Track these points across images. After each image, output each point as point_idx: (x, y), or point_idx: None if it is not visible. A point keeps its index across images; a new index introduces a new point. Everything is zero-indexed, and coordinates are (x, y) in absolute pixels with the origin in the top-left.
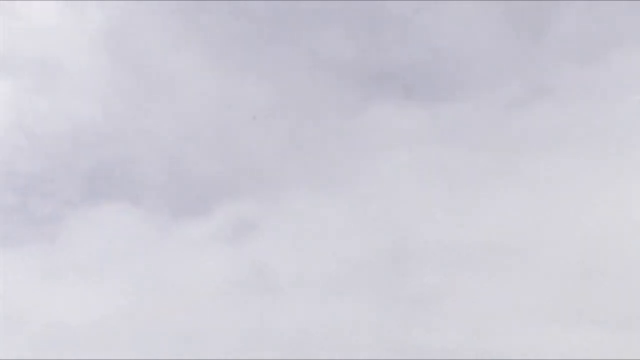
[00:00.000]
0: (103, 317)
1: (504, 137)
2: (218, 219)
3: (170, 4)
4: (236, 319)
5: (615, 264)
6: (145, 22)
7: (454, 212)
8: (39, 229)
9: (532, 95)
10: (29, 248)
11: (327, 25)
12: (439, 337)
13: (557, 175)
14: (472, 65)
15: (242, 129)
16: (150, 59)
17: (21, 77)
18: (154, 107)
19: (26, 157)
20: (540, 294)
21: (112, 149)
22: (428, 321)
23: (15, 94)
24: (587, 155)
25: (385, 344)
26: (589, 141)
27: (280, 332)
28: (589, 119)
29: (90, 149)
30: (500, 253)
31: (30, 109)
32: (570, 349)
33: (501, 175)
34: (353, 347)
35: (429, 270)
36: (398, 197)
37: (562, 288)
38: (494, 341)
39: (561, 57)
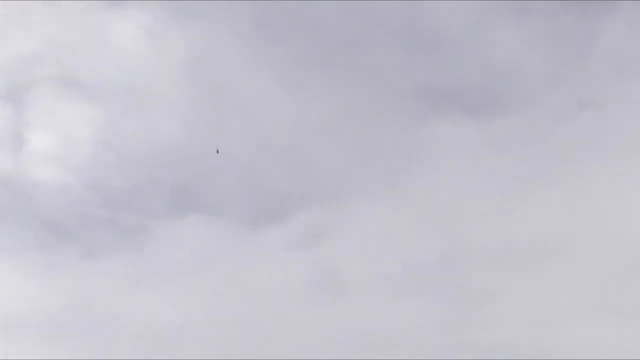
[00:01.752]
0: (187, 319)
1: (549, 146)
2: (291, 227)
3: (244, 33)
4: (309, 319)
5: None
6: (222, 50)
7: (506, 216)
8: (128, 239)
9: (575, 108)
10: (119, 257)
11: (390, 50)
12: (496, 334)
13: (599, 181)
14: (521, 82)
15: (312, 145)
16: (228, 83)
17: (112, 102)
18: (232, 127)
19: (116, 174)
20: (587, 291)
21: (194, 165)
22: (484, 319)
23: (106, 117)
24: (626, 162)
25: (446, 341)
26: (628, 149)
27: (349, 331)
28: (629, 128)
29: (174, 166)
30: (548, 253)
31: (120, 131)
32: (618, 342)
33: (548, 181)
34: (416, 346)
35: (484, 270)
36: (454, 203)
37: (607, 285)
38: (549, 337)
39: (603, 72)
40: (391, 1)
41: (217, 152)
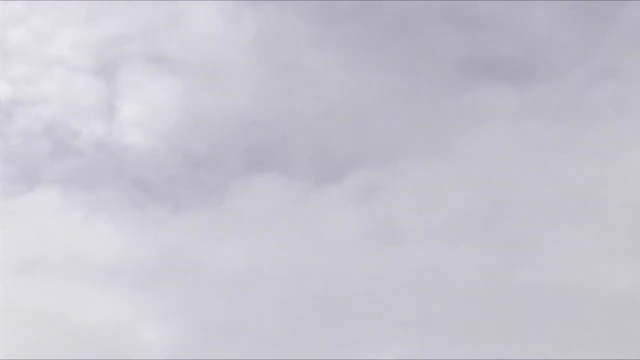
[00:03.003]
0: (260, 265)
1: (579, 111)
2: (350, 184)
3: (309, 14)
4: (367, 266)
5: None
6: (289, 26)
7: (540, 173)
8: (208, 196)
9: (602, 75)
10: (201, 212)
11: (434, 26)
12: (543, 275)
13: (624, 141)
14: (552, 53)
15: (368, 111)
16: (293, 57)
17: (191, 75)
18: (298, 96)
19: (197, 138)
20: (627, 234)
21: (264, 130)
22: (531, 262)
23: (187, 89)
24: None
25: (495, 283)
26: None
27: (404, 276)
28: None
29: (247, 130)
30: (582, 204)
31: (199, 100)
32: None
33: (577, 143)
34: (466, 287)
35: (527, 220)
36: (496, 162)
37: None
38: (592, 277)
39: (627, 42)
40: None
41: None
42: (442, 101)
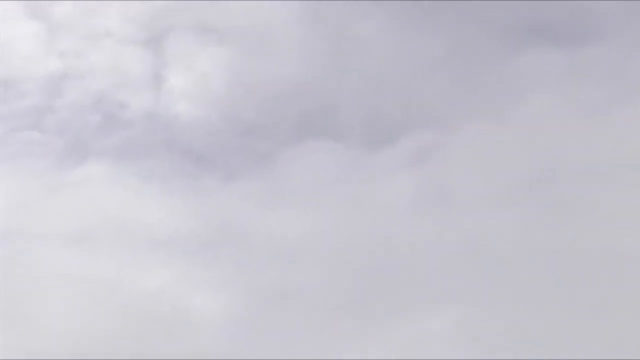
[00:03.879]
0: (312, 232)
1: (631, 73)
2: (403, 149)
3: None
4: (420, 230)
5: None
6: None
7: (593, 137)
8: (259, 164)
9: None
10: (252, 180)
11: None
12: (593, 239)
13: None
14: (603, 15)
15: (420, 75)
16: (343, 22)
17: (237, 44)
18: (347, 62)
19: (247, 107)
20: None
21: (315, 97)
22: (583, 227)
23: (235, 58)
24: None
25: (547, 248)
26: None
27: (456, 239)
28: None
29: (297, 98)
30: (636, 168)
31: (248, 69)
32: None
33: (629, 105)
34: (518, 253)
35: (579, 183)
36: (546, 126)
37: None
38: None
39: None
40: None
41: None
42: (493, 66)
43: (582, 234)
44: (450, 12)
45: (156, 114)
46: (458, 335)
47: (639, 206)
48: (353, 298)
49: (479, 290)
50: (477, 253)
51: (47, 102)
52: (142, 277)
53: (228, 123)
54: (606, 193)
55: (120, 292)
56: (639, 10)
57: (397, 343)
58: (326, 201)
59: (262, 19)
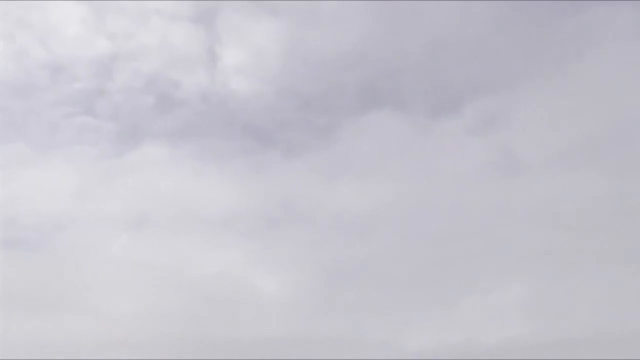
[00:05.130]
0: (378, 205)
1: None
2: (467, 115)
3: None
4: (488, 197)
5: None
6: None
7: None
8: (321, 138)
9: None
10: (314, 155)
11: None
12: None
13: None
14: None
15: (480, 40)
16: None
17: (293, 16)
18: (406, 31)
19: (304, 80)
20: None
21: (374, 67)
22: None
23: (290, 30)
24: None
25: (619, 208)
26: None
27: (525, 205)
28: None
29: (356, 68)
30: None
31: (304, 41)
32: None
33: None
34: (590, 215)
35: None
36: (612, 85)
37: None
38: None
39: None
40: None
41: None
42: (555, 25)
43: None
44: None
45: (211, 92)
46: (528, 308)
47: None
48: (422, 272)
49: (551, 260)
50: (548, 220)
51: (98, 85)
52: (205, 259)
53: (286, 97)
54: None
55: (183, 276)
56: None
57: (466, 317)
58: (391, 173)
59: None
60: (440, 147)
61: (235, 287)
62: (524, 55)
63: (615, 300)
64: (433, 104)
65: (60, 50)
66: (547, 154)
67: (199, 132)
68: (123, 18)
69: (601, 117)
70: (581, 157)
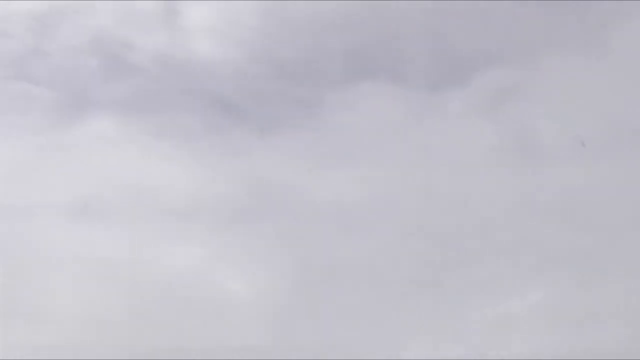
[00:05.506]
0: (371, 194)
1: None
2: (476, 89)
3: None
4: (498, 186)
5: None
6: None
7: None
8: (302, 113)
9: None
10: (294, 132)
11: None
12: None
13: None
14: None
15: (496, 3)
16: None
17: None
18: None
19: (283, 44)
20: None
21: (368, 30)
22: None
23: None
24: None
25: None
26: None
27: (541, 199)
28: None
29: (345, 32)
30: None
31: None
32: None
33: None
34: (620, 211)
35: None
36: None
37: None
38: None
39: None
40: None
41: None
42: None
43: None
44: None
45: (170, 55)
46: (546, 320)
47: None
48: (420, 275)
49: (574, 264)
50: (566, 215)
51: (35, 45)
52: (162, 256)
53: (262, 65)
54: None
55: (136, 275)
56: None
57: (472, 329)
58: (385, 157)
59: None
60: (444, 128)
61: (198, 288)
62: (548, 21)
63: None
64: (436, 75)
65: None
66: (569, 140)
67: (155, 104)
68: None
69: (635, 98)
70: (612, 143)
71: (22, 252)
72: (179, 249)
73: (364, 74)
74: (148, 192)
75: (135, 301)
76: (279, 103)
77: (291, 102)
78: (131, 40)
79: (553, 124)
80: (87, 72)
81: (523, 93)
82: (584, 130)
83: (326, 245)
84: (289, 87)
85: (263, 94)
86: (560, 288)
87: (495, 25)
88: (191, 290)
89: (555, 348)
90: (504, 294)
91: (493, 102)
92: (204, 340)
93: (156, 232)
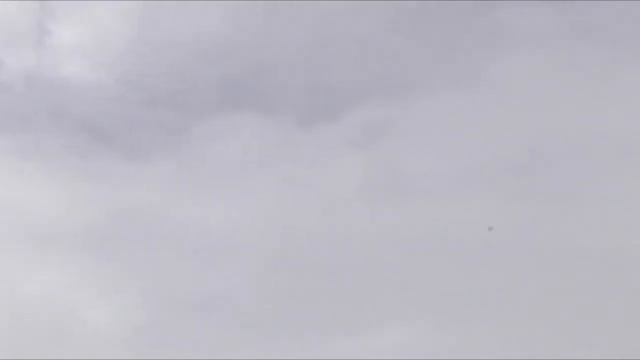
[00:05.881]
0: (238, 225)
1: (629, 33)
2: (348, 124)
3: None
4: (368, 223)
5: None
6: None
7: (584, 110)
8: (170, 141)
9: None
10: (161, 160)
11: None
12: (582, 240)
13: None
14: None
15: (373, 37)
16: None
17: None
18: (284, 18)
19: (155, 69)
20: None
21: (241, 59)
22: (567, 223)
23: (138, 7)
24: None
25: (524, 247)
26: None
27: (413, 236)
28: None
29: (218, 60)
30: (634, 148)
31: (157, 22)
32: None
33: (629, 70)
34: (489, 253)
35: (565, 168)
36: (527, 96)
37: None
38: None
39: None
40: None
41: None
42: (463, 23)
43: (565, 233)
44: None
45: (38, 75)
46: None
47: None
48: (288, 309)
49: (439, 299)
50: (441, 251)
51: None
52: (19, 279)
53: (131, 89)
54: (597, 180)
55: None
56: None
57: None
58: (253, 187)
59: None
60: (313, 161)
61: (56, 317)
62: (425, 56)
63: (518, 337)
64: (307, 109)
65: None
66: (443, 176)
67: (19, 123)
68: None
69: (511, 136)
70: (484, 182)
71: None
72: (35, 275)
73: (234, 103)
74: (6, 213)
75: None
76: (147, 129)
77: (159, 129)
78: None
79: (424, 160)
80: None
81: (394, 128)
82: (455, 169)
83: (190, 275)
84: (158, 113)
85: (131, 119)
86: (419, 328)
87: (373, 61)
88: (45, 319)
89: None
90: (370, 333)
91: (364, 138)
92: None
93: (12, 255)
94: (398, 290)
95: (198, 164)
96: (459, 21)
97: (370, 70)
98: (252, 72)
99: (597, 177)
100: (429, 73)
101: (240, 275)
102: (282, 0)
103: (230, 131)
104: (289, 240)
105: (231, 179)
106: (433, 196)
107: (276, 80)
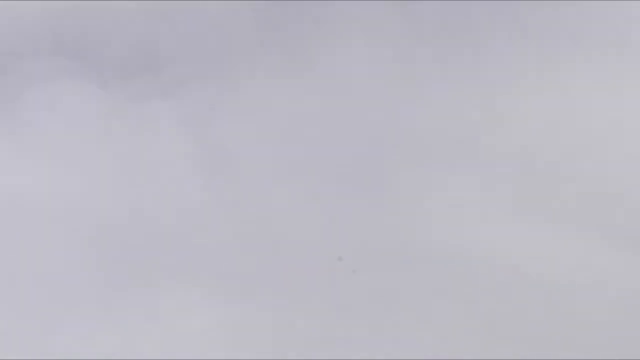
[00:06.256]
0: (63, 198)
1: (471, 25)
2: (178, 102)
3: None
4: (197, 203)
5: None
6: None
7: (428, 104)
8: None
9: None
10: None
11: None
12: (428, 240)
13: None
14: None
15: (209, 15)
16: None
17: None
18: None
19: None
20: (504, 188)
21: (70, 22)
22: (407, 226)
23: None
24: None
25: (360, 242)
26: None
27: (241, 217)
28: None
29: (31, 19)
30: (468, 149)
31: None
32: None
33: (468, 65)
34: (322, 244)
35: (403, 163)
36: (362, 88)
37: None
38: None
39: None
40: None
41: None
42: (293, 9)
43: (405, 237)
44: None
45: None
46: (217, 336)
47: (470, 203)
48: (111, 285)
49: (254, 284)
50: (259, 231)
51: None
52: None
53: None
54: (437, 181)
55: None
56: None
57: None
58: (81, 159)
59: None
60: (142, 135)
61: None
62: (253, 43)
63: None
64: (139, 84)
65: None
66: (270, 163)
67: None
68: None
69: (345, 129)
70: (315, 173)
71: None
72: None
73: (60, 71)
74: None
75: None
76: None
77: None
78: None
79: (249, 150)
80: None
81: (222, 112)
82: (281, 157)
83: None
84: None
85: None
86: (239, 311)
87: (200, 42)
88: None
89: None
90: (180, 314)
91: (193, 118)
92: None
93: None
94: (208, 280)
95: (21, 132)
96: (292, 7)
97: (204, 52)
98: (84, 38)
99: (433, 175)
100: (257, 58)
101: (64, 248)
102: None
103: (55, 100)
104: (111, 215)
105: (56, 150)
106: (261, 179)
107: (108, 49)
